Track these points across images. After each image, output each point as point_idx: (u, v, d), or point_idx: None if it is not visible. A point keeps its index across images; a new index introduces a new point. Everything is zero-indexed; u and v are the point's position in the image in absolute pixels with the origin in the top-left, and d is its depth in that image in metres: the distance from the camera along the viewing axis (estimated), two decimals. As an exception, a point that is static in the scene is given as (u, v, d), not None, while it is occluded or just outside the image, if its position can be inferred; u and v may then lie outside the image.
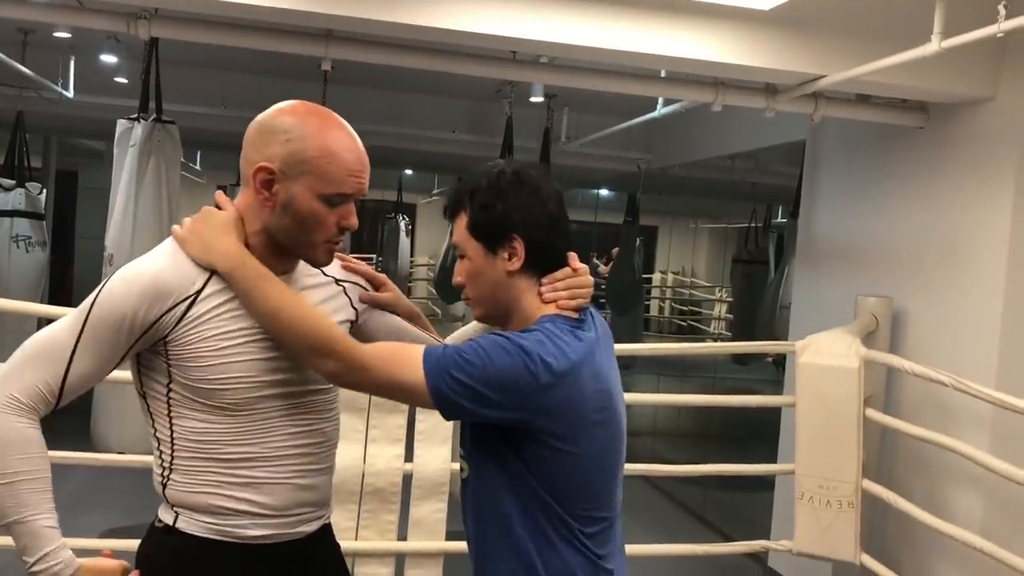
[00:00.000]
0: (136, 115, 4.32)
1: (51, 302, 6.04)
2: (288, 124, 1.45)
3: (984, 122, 3.62)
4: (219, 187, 12.13)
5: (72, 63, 6.02)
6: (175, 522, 1.47)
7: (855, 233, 4.39)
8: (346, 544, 3.27)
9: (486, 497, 1.50)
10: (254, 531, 1.47)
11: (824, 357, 3.57)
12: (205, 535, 1.46)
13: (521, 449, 1.44)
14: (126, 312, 1.39)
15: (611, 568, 1.52)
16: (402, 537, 3.33)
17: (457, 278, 1.57)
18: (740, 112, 4.32)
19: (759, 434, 5.13)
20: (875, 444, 3.79)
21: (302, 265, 1.55)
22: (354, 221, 1.48)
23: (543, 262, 1.52)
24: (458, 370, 1.39)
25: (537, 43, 3.32)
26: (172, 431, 1.44)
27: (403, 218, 11.13)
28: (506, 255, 1.50)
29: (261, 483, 1.46)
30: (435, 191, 12.34)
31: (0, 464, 1.36)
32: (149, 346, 1.43)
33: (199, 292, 1.42)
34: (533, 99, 5.94)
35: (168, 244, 1.48)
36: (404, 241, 10.98)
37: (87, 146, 9.73)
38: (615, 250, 10.31)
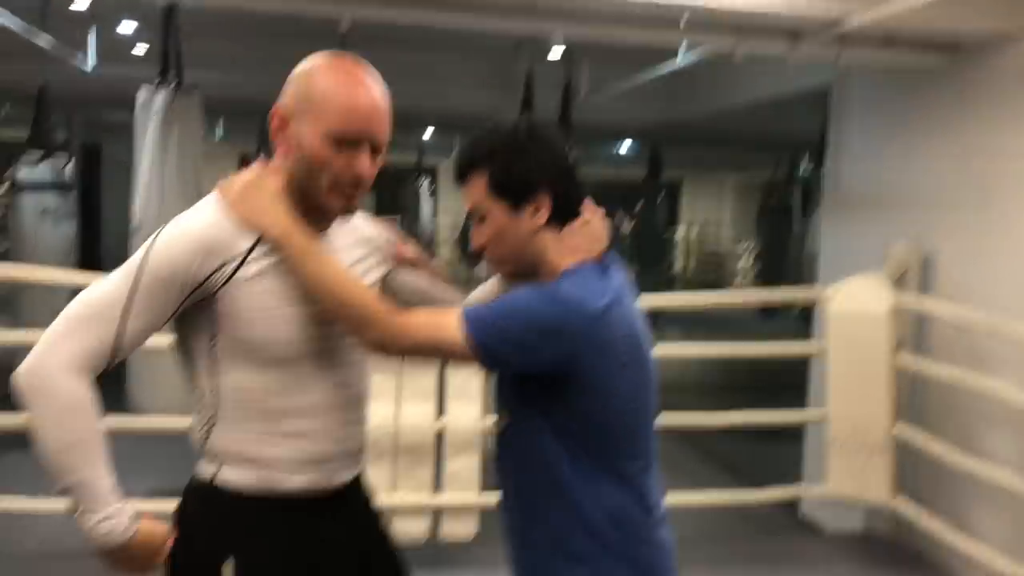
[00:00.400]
0: (157, 83, 4.33)
1: (82, 273, 6.13)
2: (305, 69, 1.48)
3: (1014, 59, 3.54)
4: (242, 155, 12.19)
5: (92, 35, 6.03)
6: (215, 476, 1.50)
7: (883, 179, 4.34)
8: (382, 501, 3.34)
9: (526, 445, 1.52)
10: (292, 481, 1.50)
11: (854, 303, 3.56)
12: (244, 487, 1.49)
13: (560, 394, 1.46)
14: (177, 268, 1.41)
15: (652, 505, 1.55)
16: (437, 492, 3.38)
17: (478, 241, 1.57)
18: (763, 60, 4.26)
19: (787, 386, 5.12)
20: (907, 388, 3.78)
21: (336, 224, 1.57)
22: (364, 168, 1.47)
23: (565, 213, 1.54)
24: (497, 322, 1.42)
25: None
26: (217, 383, 1.48)
27: (426, 180, 11.12)
28: (531, 211, 1.51)
29: (300, 435, 1.49)
30: (456, 150, 12.32)
31: (59, 426, 1.37)
32: (196, 303, 1.45)
33: (248, 252, 1.44)
34: (553, 52, 5.87)
35: (213, 202, 1.50)
36: (427, 203, 10.99)
37: (110, 119, 9.78)
38: (638, 205, 10.29)
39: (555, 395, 1.46)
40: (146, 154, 4.31)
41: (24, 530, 4.16)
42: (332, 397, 1.52)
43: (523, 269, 1.55)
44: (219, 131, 10.62)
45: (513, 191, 1.51)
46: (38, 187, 6.05)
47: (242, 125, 10.59)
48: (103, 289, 1.42)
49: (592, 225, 1.57)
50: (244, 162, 12.77)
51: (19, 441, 5.88)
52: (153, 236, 1.45)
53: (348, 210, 1.52)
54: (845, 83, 4.67)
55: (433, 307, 1.58)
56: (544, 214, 1.51)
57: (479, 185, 1.53)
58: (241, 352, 1.45)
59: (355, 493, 1.63)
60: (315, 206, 1.50)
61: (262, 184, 1.48)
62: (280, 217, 1.45)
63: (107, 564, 1.43)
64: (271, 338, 1.45)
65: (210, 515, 1.50)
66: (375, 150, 1.49)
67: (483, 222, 1.54)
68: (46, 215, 6.00)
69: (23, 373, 1.38)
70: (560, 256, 1.53)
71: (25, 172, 6.06)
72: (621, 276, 1.56)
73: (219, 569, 1.46)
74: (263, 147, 10.00)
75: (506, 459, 1.59)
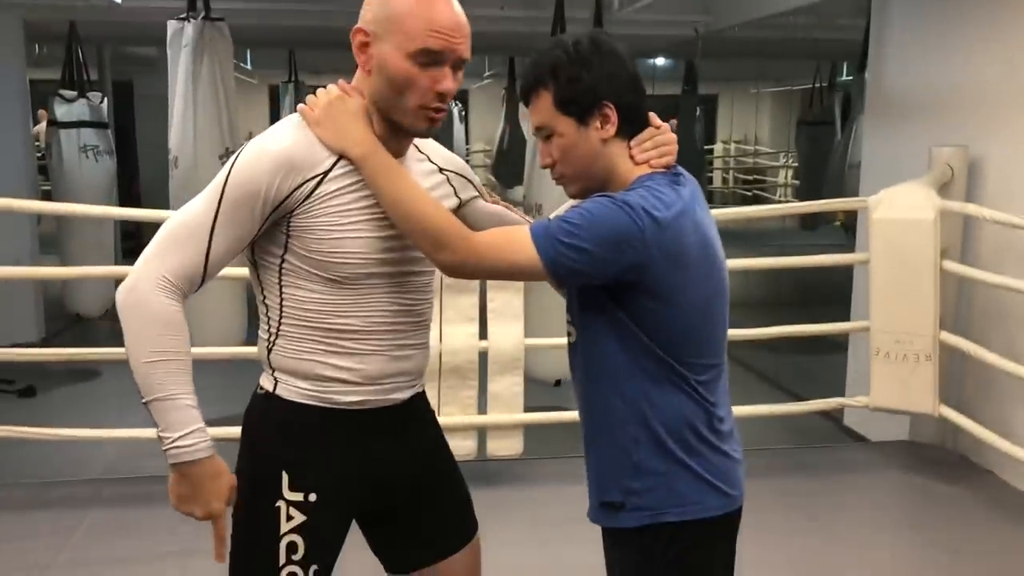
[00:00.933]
0: (186, 15, 4.31)
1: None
2: None
3: (1068, -51, 3.39)
4: (271, 86, 12.10)
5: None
6: (275, 388, 1.54)
7: (927, 82, 4.21)
8: (429, 420, 3.41)
9: (596, 356, 1.54)
10: (349, 397, 1.54)
11: (898, 211, 3.50)
12: (303, 400, 1.53)
13: (629, 303, 1.48)
14: (260, 186, 1.43)
15: (722, 415, 1.57)
16: (482, 412, 3.44)
17: (545, 160, 1.56)
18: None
19: (831, 299, 5.09)
20: (953, 296, 3.74)
21: (411, 152, 1.58)
22: (448, 84, 1.47)
23: (632, 125, 1.54)
24: (568, 236, 1.42)
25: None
26: (281, 299, 1.51)
27: (456, 104, 11.01)
28: (598, 123, 1.51)
29: (358, 353, 1.52)
30: (486, 74, 12.15)
31: (149, 342, 1.41)
32: (276, 219, 1.47)
33: (328, 170, 1.46)
34: (583, -33, 5.73)
35: (295, 120, 1.51)
36: (459, 128, 10.90)
37: (140, 54, 9.76)
38: (673, 122, 10.11)
39: (625, 304, 1.48)
40: (179, 87, 4.32)
41: (88, 457, 4.33)
42: (393, 318, 1.55)
43: (593, 184, 1.55)
44: (247, 64, 10.56)
45: (579, 105, 1.50)
46: (75, 125, 6.10)
47: (270, 54, 10.55)
48: (192, 210, 1.45)
49: (661, 136, 1.56)
50: (272, 92, 12.76)
51: (80, 373, 6.08)
52: (236, 154, 1.47)
53: (430, 131, 1.53)
54: (888, -17, 4.51)
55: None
56: (612, 126, 1.51)
57: (544, 103, 1.52)
58: (309, 268, 1.48)
59: (414, 410, 1.66)
60: (398, 126, 1.50)
61: (345, 103, 1.48)
62: (362, 136, 1.46)
63: (179, 485, 1.47)
64: (340, 256, 1.47)
65: (270, 425, 1.54)
66: (457, 66, 1.48)
67: (550, 140, 1.54)
68: (85, 152, 6.06)
69: (121, 290, 1.43)
70: (630, 167, 1.53)
71: (62, 111, 6.09)
72: (692, 185, 1.55)
73: (279, 475, 1.51)
74: (293, 76, 9.97)
75: (577, 372, 1.61)
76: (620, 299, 1.48)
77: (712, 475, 1.54)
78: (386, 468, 1.60)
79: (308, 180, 1.44)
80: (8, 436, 3.55)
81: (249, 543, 1.53)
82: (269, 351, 1.54)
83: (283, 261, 1.49)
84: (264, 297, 1.54)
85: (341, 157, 1.47)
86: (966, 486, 3.64)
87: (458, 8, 1.49)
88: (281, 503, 1.50)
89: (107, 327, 7.00)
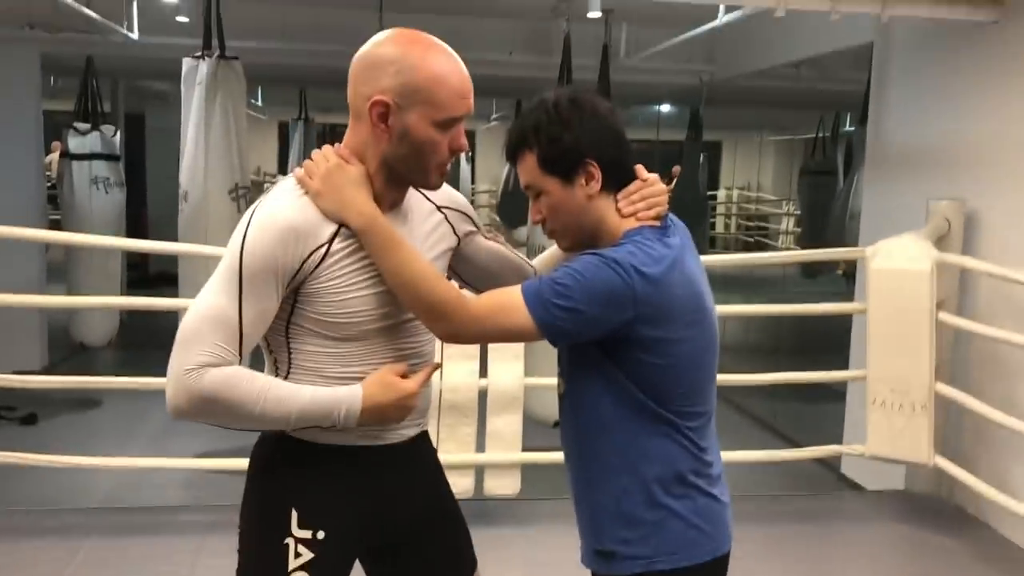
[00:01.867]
0: (200, 53, 4.40)
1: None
2: (393, 54, 1.48)
3: (1063, 12, 3.48)
4: (281, 122, 12.21)
5: (135, 5, 6.12)
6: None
7: (926, 136, 4.29)
8: (427, 458, 3.43)
9: (586, 407, 1.57)
10: (359, 440, 1.57)
11: (895, 261, 3.55)
12: (313, 439, 1.55)
13: (620, 357, 1.51)
14: (274, 262, 1.45)
15: (711, 460, 1.60)
16: (480, 450, 3.46)
17: (536, 217, 1.61)
18: (804, 16, 4.21)
19: (829, 347, 5.12)
20: (949, 348, 3.77)
21: (410, 194, 1.62)
22: (464, 141, 1.53)
23: (618, 179, 1.58)
24: (559, 297, 1.45)
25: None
26: (289, 354, 1.54)
27: (463, 145, 11.13)
28: (583, 181, 1.54)
29: None
30: (493, 116, 12.30)
31: (240, 401, 1.42)
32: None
33: (333, 237, 1.49)
34: (591, 15, 5.84)
35: (293, 188, 1.52)
36: (465, 168, 11.03)
37: (153, 88, 9.91)
38: (676, 168, 10.21)
39: (616, 357, 1.51)
40: (191, 123, 4.39)
41: (88, 485, 4.34)
42: (396, 363, 1.58)
43: (584, 238, 1.59)
44: (258, 101, 10.70)
45: (562, 164, 1.54)
46: (88, 157, 6.19)
47: (280, 92, 10.70)
48: (214, 301, 1.45)
49: (649, 188, 1.59)
50: (281, 129, 12.89)
51: (82, 402, 6.09)
52: (242, 229, 1.47)
53: (440, 183, 1.59)
54: (888, 39, 4.61)
55: (504, 279, 1.64)
56: (596, 183, 1.54)
57: (530, 163, 1.56)
58: (316, 328, 1.51)
59: (418, 448, 1.69)
60: (411, 183, 1.56)
61: (345, 172, 1.50)
62: (363, 206, 1.49)
63: (391, 419, 1.55)
64: (347, 316, 1.50)
65: (280, 462, 1.57)
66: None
67: (539, 198, 1.58)
68: (96, 184, 6.14)
69: (172, 399, 1.42)
70: (618, 221, 1.57)
71: (75, 143, 6.19)
72: (682, 234, 1.59)
73: (289, 512, 1.53)
74: (303, 114, 10.10)
75: (567, 422, 1.64)
76: (611, 352, 1.51)
77: (702, 519, 1.56)
78: (393, 505, 1.63)
79: (316, 249, 1.47)
80: (8, 463, 3.57)
81: None
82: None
83: (289, 323, 1.52)
84: (271, 352, 1.56)
85: (343, 224, 1.49)
86: (962, 539, 3.64)
87: (463, 65, 1.53)
88: (290, 540, 1.52)
89: (110, 356, 7.05)
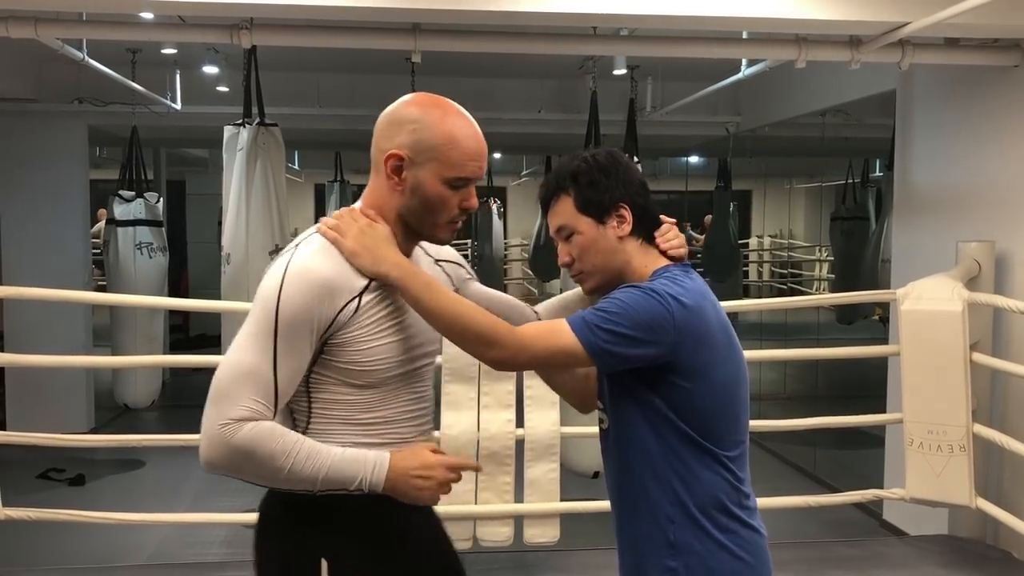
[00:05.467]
0: (241, 121, 4.56)
1: (174, 303, 6.45)
2: (414, 114, 1.60)
3: (1082, 54, 3.53)
4: (316, 184, 12.47)
5: (178, 77, 6.37)
6: None
7: (953, 179, 4.32)
8: (466, 508, 3.47)
9: (629, 439, 1.65)
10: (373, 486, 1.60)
11: (927, 303, 3.56)
12: (327, 491, 1.56)
13: (661, 386, 1.59)
14: (310, 316, 1.51)
15: (748, 492, 1.66)
16: (518, 499, 3.49)
17: (565, 258, 1.72)
18: (827, 66, 4.30)
19: (867, 393, 5.09)
20: (985, 389, 3.76)
21: (415, 249, 1.72)
22: (474, 202, 1.64)
23: (644, 224, 1.70)
24: (604, 322, 1.55)
25: (617, 16, 3.40)
26: (309, 402, 1.60)
27: (495, 201, 11.30)
28: (615, 223, 1.67)
29: (387, 442, 1.61)
30: (524, 172, 12.47)
31: (272, 457, 1.48)
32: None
33: (362, 292, 1.57)
34: (616, 72, 5.99)
35: (321, 245, 1.59)
36: (497, 224, 11.14)
37: (192, 155, 10.23)
38: (708, 218, 10.24)
39: (657, 387, 1.59)
40: (233, 187, 4.53)
41: (134, 544, 4.42)
42: (412, 405, 1.67)
43: (610, 279, 1.69)
44: (295, 164, 10.99)
45: (598, 206, 1.67)
46: (132, 223, 6.39)
47: (315, 156, 10.98)
48: (248, 357, 1.50)
49: (671, 234, 1.73)
50: (317, 190, 13.16)
51: (127, 463, 6.21)
52: (276, 284, 1.52)
53: (449, 239, 1.69)
54: (910, 85, 4.68)
55: (507, 319, 1.68)
56: (628, 225, 1.67)
57: (566, 205, 1.69)
58: (338, 376, 1.58)
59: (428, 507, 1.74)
60: (422, 237, 1.66)
61: (376, 231, 1.59)
62: (396, 258, 1.58)
63: (411, 495, 1.58)
64: (374, 364, 1.58)
65: (303, 512, 1.58)
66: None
67: (570, 240, 1.70)
68: (140, 249, 6.34)
69: (205, 450, 1.48)
70: (644, 262, 1.69)
71: (120, 209, 6.41)
72: (700, 280, 1.69)
73: (318, 564, 1.55)
74: (338, 176, 10.34)
75: (610, 457, 1.71)
76: (652, 383, 1.59)
77: (746, 552, 1.61)
78: (414, 543, 1.67)
79: (349, 302, 1.54)
80: (59, 519, 3.66)
81: None
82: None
83: (311, 372, 1.57)
84: (292, 400, 1.59)
85: (376, 279, 1.57)
86: (1008, 583, 3.59)
87: (478, 130, 1.64)
88: None
89: (153, 417, 7.19)
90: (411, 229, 1.64)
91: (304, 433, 1.58)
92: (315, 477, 1.51)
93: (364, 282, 1.57)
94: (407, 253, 1.65)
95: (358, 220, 1.61)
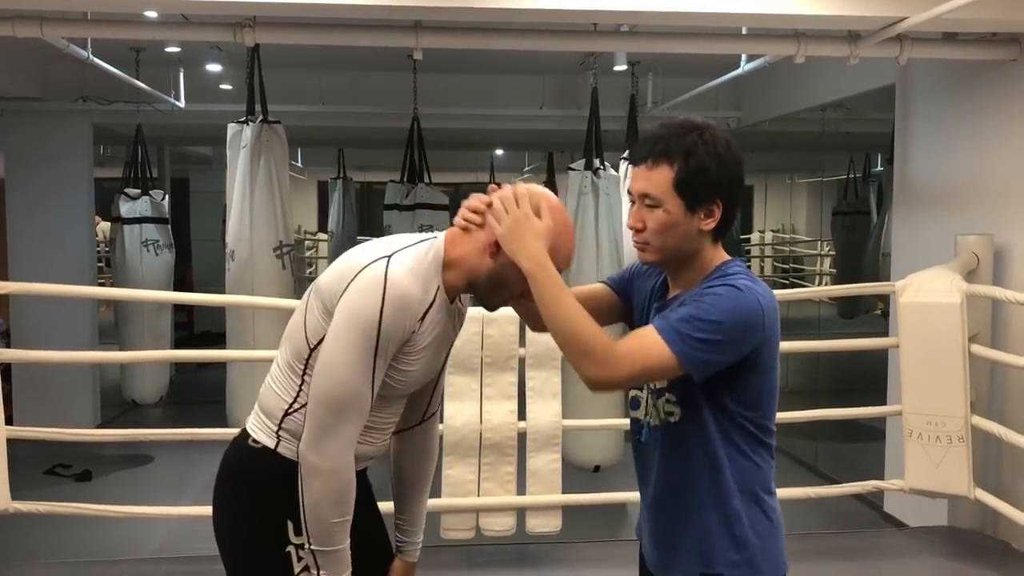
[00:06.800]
0: (244, 118, 4.60)
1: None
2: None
3: (1079, 47, 3.55)
4: (320, 181, 12.48)
5: (181, 75, 6.41)
6: (276, 446, 1.70)
7: (951, 173, 4.35)
8: (469, 500, 3.51)
9: (694, 434, 1.62)
10: None
11: (925, 295, 3.59)
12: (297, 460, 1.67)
13: (732, 382, 1.58)
14: (402, 335, 1.62)
15: (772, 480, 1.69)
16: (521, 490, 3.53)
17: (637, 223, 1.62)
18: (826, 61, 4.32)
19: (868, 387, 5.12)
20: (984, 381, 3.79)
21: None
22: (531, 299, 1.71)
23: (726, 225, 1.62)
24: (697, 331, 1.51)
25: (617, 13, 3.44)
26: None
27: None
28: (703, 214, 1.58)
29: (363, 444, 1.71)
30: (526, 169, 12.50)
31: (341, 506, 1.62)
32: None
33: (427, 311, 1.66)
34: (617, 67, 6.01)
35: (413, 259, 1.64)
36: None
37: (196, 153, 10.27)
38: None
39: (728, 383, 1.58)
40: (237, 185, 4.56)
41: (142, 538, 4.46)
42: (389, 420, 1.79)
43: (672, 262, 1.64)
44: (298, 162, 11.02)
45: (697, 194, 1.57)
46: (138, 221, 6.44)
47: (318, 153, 11.01)
48: (352, 379, 1.59)
49: None
50: (320, 188, 13.17)
51: (134, 459, 6.25)
52: (376, 300, 1.57)
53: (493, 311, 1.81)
54: (910, 79, 4.70)
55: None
56: (714, 222, 1.60)
57: (663, 176, 1.57)
58: None
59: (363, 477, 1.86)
60: (478, 297, 1.75)
61: (532, 223, 1.63)
62: (538, 254, 1.60)
63: None
64: (398, 382, 1.69)
65: (273, 479, 1.69)
66: None
67: (651, 209, 1.59)
68: (147, 246, 6.38)
69: (312, 453, 1.59)
70: (712, 257, 1.63)
71: (126, 207, 6.45)
72: None
73: (285, 524, 1.68)
74: (341, 173, 10.36)
75: (669, 451, 1.66)
76: (725, 378, 1.56)
77: (782, 537, 1.68)
78: (359, 519, 1.75)
79: (419, 321, 1.64)
80: (67, 513, 3.70)
81: None
82: (286, 413, 1.70)
83: None
84: (303, 377, 1.68)
85: (436, 294, 1.66)
86: (1007, 573, 3.61)
87: (574, 243, 1.75)
88: (290, 548, 1.68)
89: (160, 413, 7.23)
90: (475, 288, 1.72)
91: (297, 408, 1.68)
92: (320, 544, 1.62)
93: (428, 303, 1.65)
94: (456, 298, 1.74)
95: (521, 207, 1.64)
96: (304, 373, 1.68)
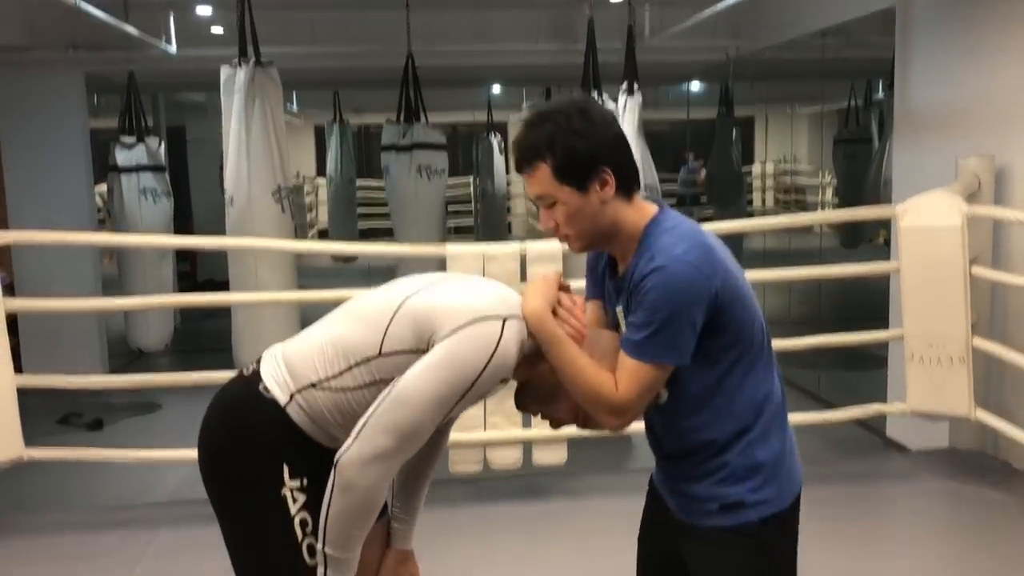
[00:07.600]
0: (237, 60, 4.54)
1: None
2: None
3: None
4: (316, 126, 12.38)
5: (172, 19, 6.32)
6: (287, 406, 1.72)
7: (952, 95, 4.30)
8: (476, 435, 3.56)
9: (696, 376, 1.62)
10: (332, 444, 1.73)
11: (926, 218, 3.59)
12: (302, 427, 1.72)
13: (719, 323, 1.58)
14: (490, 391, 1.66)
15: (776, 389, 1.70)
16: (527, 424, 3.58)
17: (549, 223, 1.65)
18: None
19: (871, 316, 5.13)
20: (985, 302, 3.80)
21: None
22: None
23: (627, 181, 1.63)
24: (654, 334, 1.55)
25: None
26: (344, 380, 1.69)
27: (496, 136, 11.23)
28: (597, 187, 1.60)
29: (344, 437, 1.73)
30: (525, 105, 12.38)
31: (366, 519, 1.66)
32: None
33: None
34: (613, -1, 5.91)
35: (519, 330, 1.64)
36: (499, 159, 11.09)
37: (191, 100, 10.17)
38: (700, 162, 10.21)
39: (708, 331, 1.58)
40: (232, 129, 4.52)
41: (153, 484, 4.54)
42: None
43: (599, 239, 1.66)
44: (293, 105, 10.92)
45: (578, 174, 1.59)
46: (135, 169, 6.41)
47: (314, 96, 10.90)
48: (429, 409, 1.61)
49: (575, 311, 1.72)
50: (317, 132, 13.08)
51: (143, 406, 6.31)
52: (487, 351, 1.59)
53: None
54: (910, 1, 4.62)
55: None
56: (611, 188, 1.60)
57: (543, 175, 1.61)
58: (388, 384, 1.66)
59: None
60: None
61: (541, 282, 1.71)
62: (536, 308, 1.65)
63: None
64: (451, 416, 1.72)
65: (273, 428, 1.72)
66: None
67: (553, 207, 1.63)
68: (145, 195, 6.36)
69: (355, 469, 1.61)
70: (635, 219, 1.63)
71: (122, 156, 6.41)
72: (686, 220, 1.68)
73: (281, 468, 1.72)
74: (338, 116, 10.27)
75: (674, 394, 1.67)
76: (712, 323, 1.58)
77: (794, 452, 1.71)
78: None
79: (500, 383, 1.69)
80: (81, 458, 3.77)
81: (267, 530, 1.73)
82: (311, 384, 1.71)
83: (379, 381, 1.67)
84: (351, 369, 1.70)
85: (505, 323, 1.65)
86: (1010, 492, 3.67)
87: None
88: (286, 490, 1.71)
89: (166, 361, 7.29)
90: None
91: (328, 390, 1.71)
92: (335, 550, 1.66)
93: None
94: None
95: (547, 279, 1.74)
96: (355, 367, 1.69)
